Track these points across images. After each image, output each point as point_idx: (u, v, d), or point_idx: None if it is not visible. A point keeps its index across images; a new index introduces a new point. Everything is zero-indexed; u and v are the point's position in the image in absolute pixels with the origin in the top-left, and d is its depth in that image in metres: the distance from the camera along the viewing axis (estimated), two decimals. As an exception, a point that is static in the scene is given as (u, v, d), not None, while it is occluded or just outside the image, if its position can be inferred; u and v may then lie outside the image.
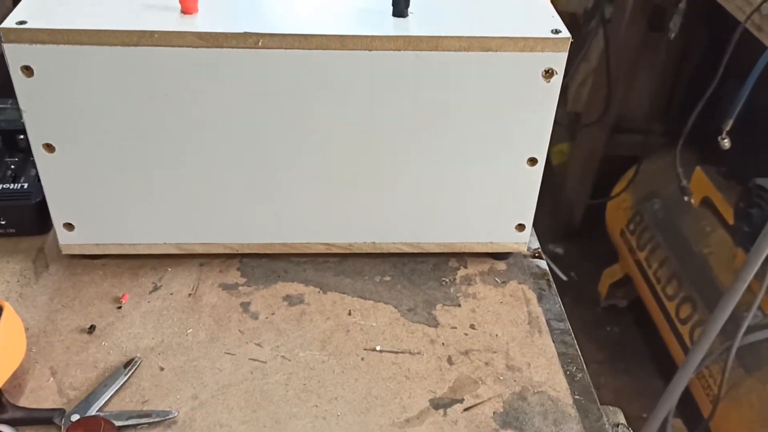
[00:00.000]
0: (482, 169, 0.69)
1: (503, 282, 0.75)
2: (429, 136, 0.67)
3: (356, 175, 0.69)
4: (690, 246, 1.97)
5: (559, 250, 2.61)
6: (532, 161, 0.69)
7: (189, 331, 0.68)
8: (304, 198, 0.70)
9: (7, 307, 0.60)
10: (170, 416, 0.60)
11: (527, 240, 0.75)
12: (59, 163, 0.66)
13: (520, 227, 0.74)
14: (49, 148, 0.65)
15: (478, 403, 0.63)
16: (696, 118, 1.62)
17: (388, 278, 0.75)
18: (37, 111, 0.63)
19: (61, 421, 0.58)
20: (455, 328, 0.70)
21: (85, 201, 0.69)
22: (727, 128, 1.52)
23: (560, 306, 0.73)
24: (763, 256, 1.37)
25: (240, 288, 0.73)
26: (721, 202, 1.89)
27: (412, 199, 0.71)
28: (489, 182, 0.70)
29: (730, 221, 1.81)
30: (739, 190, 1.79)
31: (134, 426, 0.59)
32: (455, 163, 0.68)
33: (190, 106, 0.63)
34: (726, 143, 1.53)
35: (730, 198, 1.83)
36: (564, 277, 2.51)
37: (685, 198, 1.83)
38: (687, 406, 1.84)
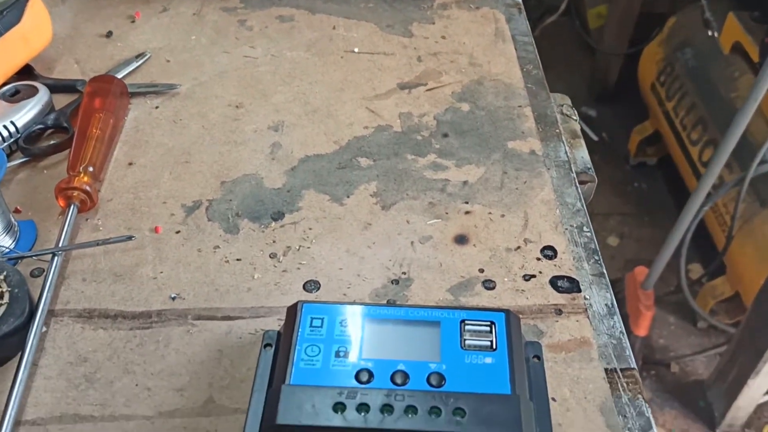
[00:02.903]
0: None
1: (477, 7, 0.82)
2: None
3: None
4: (718, 91, 1.96)
5: (592, 113, 2.63)
6: None
7: (192, 37, 0.78)
8: None
9: (34, -5, 0.70)
10: (175, 88, 0.70)
11: (500, -35, 0.81)
12: None
13: (493, -47, 0.80)
14: None
15: (440, 86, 0.71)
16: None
17: (372, 4, 0.83)
18: None
19: (83, 87, 0.69)
20: (427, 38, 0.78)
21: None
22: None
23: (527, 27, 0.80)
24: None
25: (238, 10, 0.82)
26: (750, 46, 1.86)
27: None
28: None
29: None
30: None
31: (143, 94, 0.70)
32: None
33: None
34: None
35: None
36: (595, 138, 2.54)
37: (709, 32, 1.83)
38: (703, 251, 1.88)
